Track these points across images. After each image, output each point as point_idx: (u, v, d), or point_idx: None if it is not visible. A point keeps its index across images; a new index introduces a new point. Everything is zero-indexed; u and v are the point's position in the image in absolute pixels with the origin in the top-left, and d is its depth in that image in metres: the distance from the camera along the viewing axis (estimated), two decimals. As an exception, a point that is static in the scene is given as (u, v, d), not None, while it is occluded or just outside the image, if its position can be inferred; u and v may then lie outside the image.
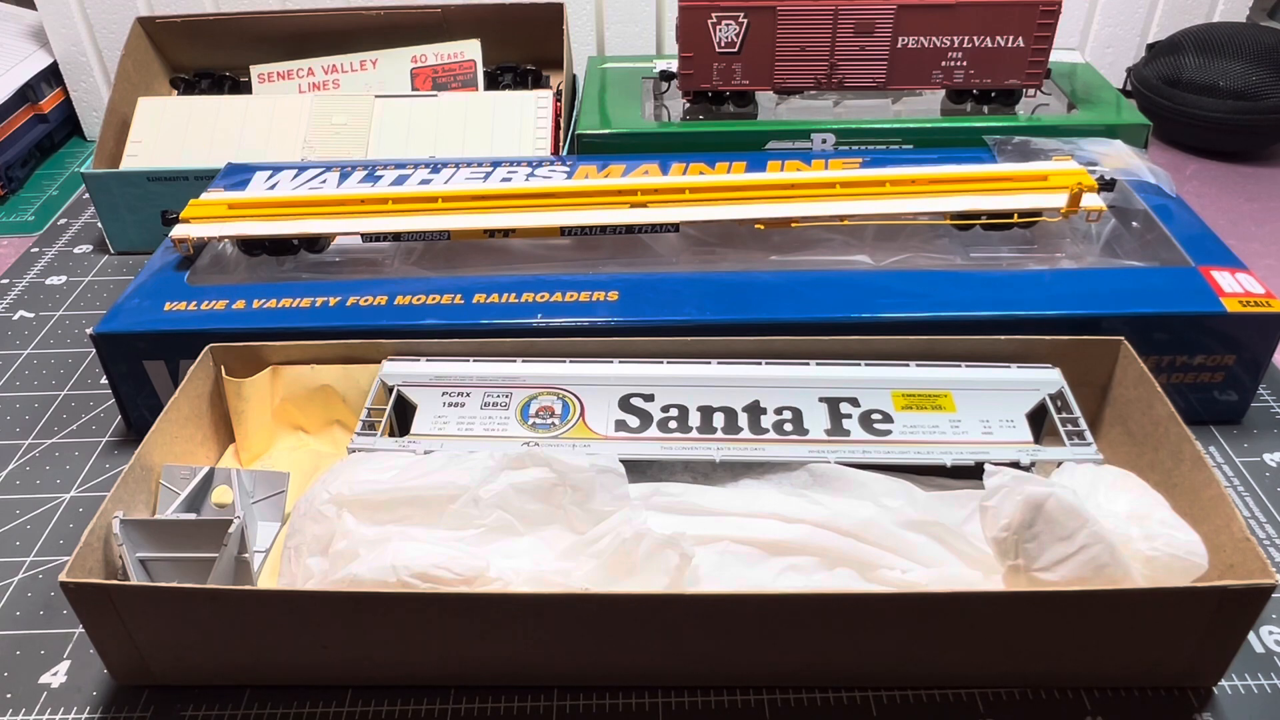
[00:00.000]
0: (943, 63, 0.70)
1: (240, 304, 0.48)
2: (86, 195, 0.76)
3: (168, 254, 0.53)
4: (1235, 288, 0.47)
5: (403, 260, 0.56)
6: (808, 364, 0.44)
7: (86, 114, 0.88)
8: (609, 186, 0.56)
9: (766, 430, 0.41)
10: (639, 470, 0.40)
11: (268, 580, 0.39)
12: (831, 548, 0.37)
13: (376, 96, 0.71)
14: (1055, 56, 0.74)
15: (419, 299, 0.48)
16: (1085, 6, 0.89)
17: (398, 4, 0.78)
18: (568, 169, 0.60)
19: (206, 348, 0.44)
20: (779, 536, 0.37)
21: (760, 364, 0.45)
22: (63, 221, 0.74)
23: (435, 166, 0.61)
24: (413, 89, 0.75)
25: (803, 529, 0.37)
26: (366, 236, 0.53)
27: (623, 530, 0.35)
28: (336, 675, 0.36)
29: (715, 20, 0.68)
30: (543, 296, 0.48)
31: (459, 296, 0.48)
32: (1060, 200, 0.53)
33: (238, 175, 0.61)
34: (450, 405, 0.43)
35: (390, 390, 0.44)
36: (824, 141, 0.69)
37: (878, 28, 0.69)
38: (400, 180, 0.59)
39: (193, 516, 0.39)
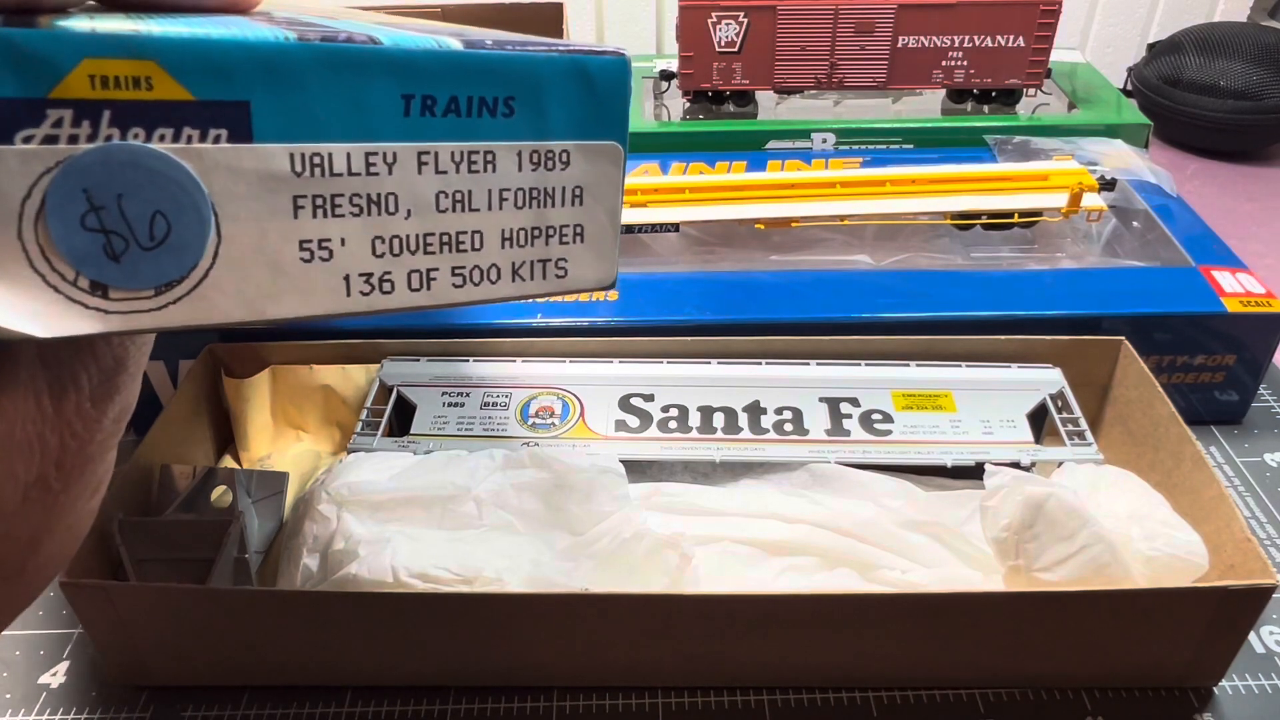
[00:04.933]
0: (943, 62, 0.70)
1: (240, 304, 0.48)
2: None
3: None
4: (1236, 288, 0.47)
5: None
6: (808, 364, 0.44)
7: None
8: (609, 186, 0.55)
9: (766, 430, 0.41)
10: (639, 470, 0.40)
11: (267, 580, 0.39)
12: (831, 548, 0.37)
13: (377, 96, 0.71)
14: (1056, 56, 0.74)
15: (419, 299, 0.48)
16: (1086, 6, 0.89)
17: (397, 4, 0.78)
18: (568, 169, 0.60)
19: (206, 348, 0.44)
20: (779, 536, 0.37)
21: (760, 364, 0.45)
22: (63, 221, 0.74)
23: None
24: (413, 89, 0.75)
25: (803, 529, 0.37)
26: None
27: (622, 530, 0.35)
28: (336, 675, 0.36)
29: (715, 20, 0.68)
30: (543, 296, 0.48)
31: (459, 296, 0.48)
32: (1061, 200, 0.53)
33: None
34: (450, 405, 0.43)
35: (390, 390, 0.44)
36: (824, 141, 0.69)
37: (878, 27, 0.69)
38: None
39: (192, 516, 0.39)
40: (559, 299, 0.48)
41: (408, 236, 0.20)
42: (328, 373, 0.45)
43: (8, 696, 0.37)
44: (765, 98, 0.74)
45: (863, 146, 0.68)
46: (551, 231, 0.22)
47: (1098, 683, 0.36)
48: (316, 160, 0.18)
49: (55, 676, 0.38)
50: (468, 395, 0.43)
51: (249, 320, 0.19)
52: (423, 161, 0.20)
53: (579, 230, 0.22)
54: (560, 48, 0.21)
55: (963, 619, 0.34)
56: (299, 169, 0.18)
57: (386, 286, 0.20)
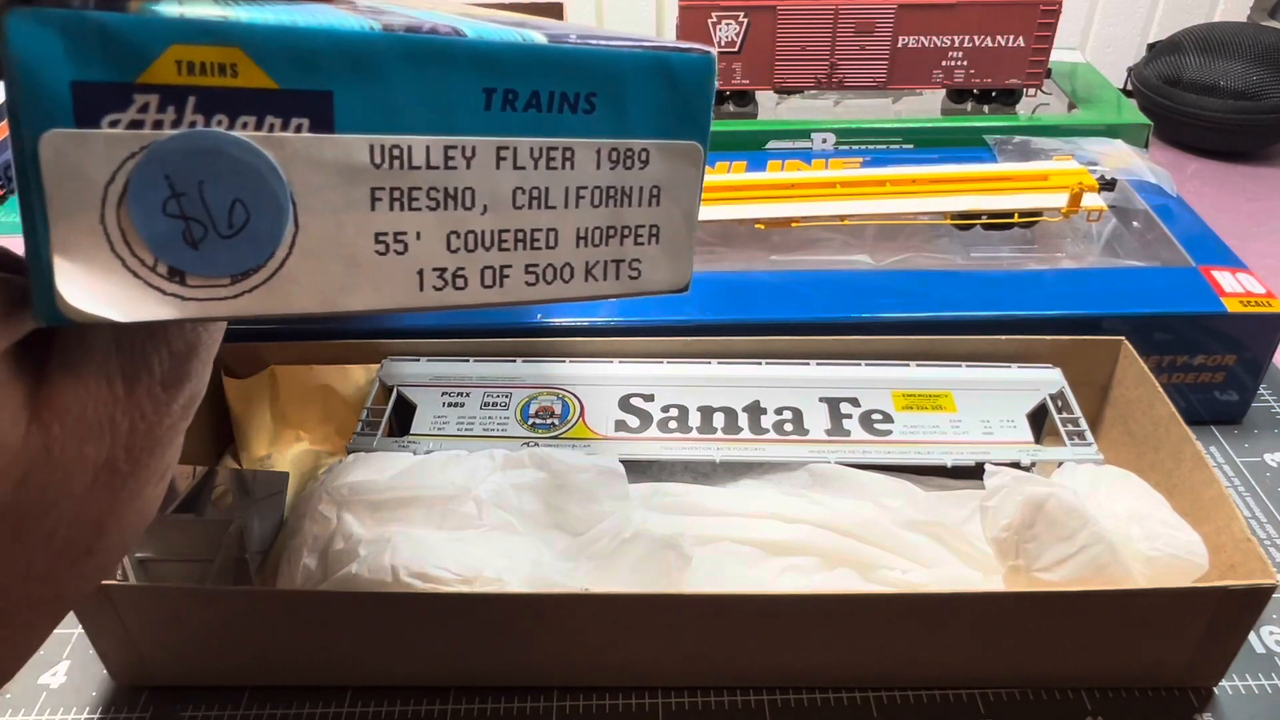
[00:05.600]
0: (943, 62, 0.70)
1: (240, 304, 0.48)
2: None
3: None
4: (1236, 288, 0.47)
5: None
6: (808, 364, 0.44)
7: (86, 114, 0.88)
8: (609, 186, 0.55)
9: (766, 430, 0.41)
10: (639, 470, 0.40)
11: (267, 580, 0.39)
12: (831, 548, 0.37)
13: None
14: (1056, 56, 0.74)
15: (419, 299, 0.48)
16: (1086, 6, 0.89)
17: (398, 4, 0.78)
18: (568, 169, 0.60)
19: (206, 348, 0.44)
20: (779, 537, 0.37)
21: (760, 364, 0.45)
22: (63, 221, 0.74)
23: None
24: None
25: (802, 529, 0.37)
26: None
27: (622, 531, 0.35)
28: (336, 675, 0.36)
29: (715, 20, 0.68)
30: (543, 296, 0.48)
31: (459, 296, 0.48)
32: (1061, 200, 0.53)
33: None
34: (450, 405, 0.43)
35: (390, 390, 0.44)
36: (824, 141, 0.69)
37: (878, 27, 0.69)
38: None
39: (192, 517, 0.39)
40: (559, 299, 0.48)
41: (483, 232, 0.20)
42: (328, 373, 0.45)
43: (8, 696, 0.37)
44: (765, 98, 0.74)
45: (863, 146, 0.68)
46: (627, 231, 0.22)
47: (1098, 683, 0.36)
48: (396, 152, 0.18)
49: (55, 676, 0.38)
50: (468, 395, 0.43)
51: (323, 312, 0.19)
52: (501, 156, 0.19)
53: (654, 231, 0.22)
54: (646, 44, 0.20)
55: (963, 619, 0.34)
56: (378, 161, 0.18)
57: (460, 282, 0.20)
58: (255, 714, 0.36)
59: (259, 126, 0.17)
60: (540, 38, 0.19)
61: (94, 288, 0.16)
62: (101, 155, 0.16)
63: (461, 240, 0.20)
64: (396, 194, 0.19)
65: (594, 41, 0.20)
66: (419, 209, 0.19)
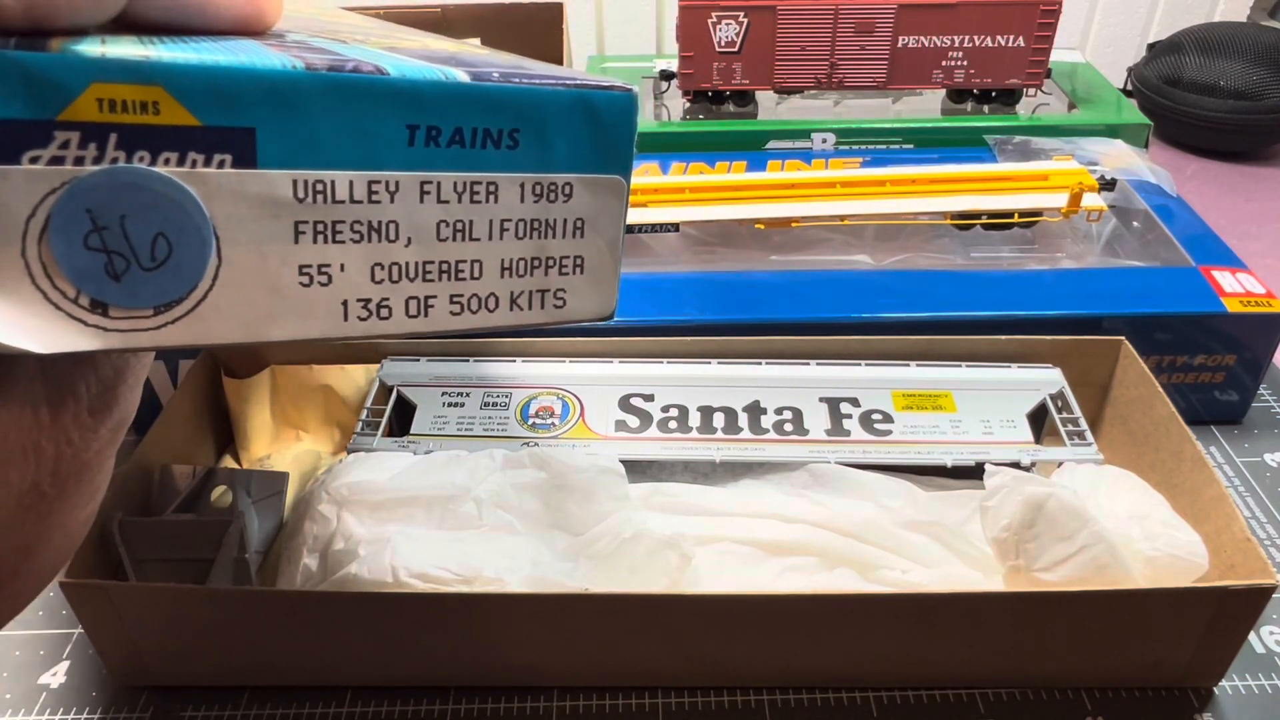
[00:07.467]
0: (943, 62, 0.70)
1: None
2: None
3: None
4: (1236, 288, 0.47)
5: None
6: (808, 364, 0.44)
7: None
8: (609, 186, 0.55)
9: (766, 430, 0.41)
10: (639, 470, 0.40)
11: (267, 581, 0.39)
12: (832, 548, 0.37)
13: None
14: (1056, 56, 0.74)
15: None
16: (1086, 6, 0.89)
17: (398, 4, 0.78)
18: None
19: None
20: (779, 537, 0.37)
21: (760, 364, 0.45)
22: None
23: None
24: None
25: (803, 529, 0.37)
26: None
27: (622, 531, 0.35)
28: (336, 675, 0.36)
29: (715, 20, 0.68)
30: (543, 296, 0.48)
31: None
32: (1061, 200, 0.53)
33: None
34: (450, 405, 0.43)
35: (390, 390, 0.44)
36: (824, 141, 0.69)
37: (878, 27, 0.69)
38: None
39: (192, 517, 0.39)
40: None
41: (407, 264, 0.20)
42: (328, 373, 0.45)
43: (8, 696, 0.37)
44: (765, 98, 0.74)
45: (863, 146, 0.68)
46: (551, 262, 0.22)
47: (1098, 683, 0.36)
48: (319, 187, 0.19)
49: (55, 676, 0.38)
50: (468, 395, 0.43)
51: (246, 341, 0.19)
52: (425, 191, 0.20)
53: (579, 262, 0.22)
54: (567, 81, 0.21)
55: (963, 619, 0.34)
56: (301, 195, 0.19)
57: (384, 312, 0.20)
58: (255, 714, 0.36)
59: (181, 162, 0.17)
60: (463, 75, 0.19)
61: (15, 319, 0.17)
62: (22, 190, 0.16)
63: (386, 272, 0.20)
64: (320, 227, 0.19)
65: (517, 79, 0.20)
66: (343, 242, 0.19)
